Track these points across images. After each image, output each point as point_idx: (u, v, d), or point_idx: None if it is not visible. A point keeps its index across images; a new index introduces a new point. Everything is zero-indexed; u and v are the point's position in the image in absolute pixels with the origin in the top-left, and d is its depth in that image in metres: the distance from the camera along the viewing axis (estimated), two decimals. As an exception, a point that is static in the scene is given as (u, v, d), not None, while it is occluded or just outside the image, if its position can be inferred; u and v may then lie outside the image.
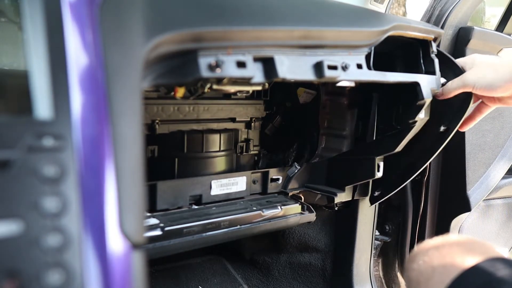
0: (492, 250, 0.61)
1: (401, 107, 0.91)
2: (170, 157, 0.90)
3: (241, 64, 0.55)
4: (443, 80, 0.85)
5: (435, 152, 0.89)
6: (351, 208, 1.07)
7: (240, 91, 0.89)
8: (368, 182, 1.02)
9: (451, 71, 0.85)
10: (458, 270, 0.57)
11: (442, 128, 0.86)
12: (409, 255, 0.71)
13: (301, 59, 0.62)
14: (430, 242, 0.68)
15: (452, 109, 0.84)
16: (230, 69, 0.54)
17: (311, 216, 0.98)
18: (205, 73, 0.52)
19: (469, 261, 0.58)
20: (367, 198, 1.04)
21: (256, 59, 0.57)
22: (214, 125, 0.97)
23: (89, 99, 0.37)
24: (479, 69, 0.79)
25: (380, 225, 1.24)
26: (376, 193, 1.02)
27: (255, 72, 0.57)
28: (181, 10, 0.50)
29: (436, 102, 0.83)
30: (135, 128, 0.40)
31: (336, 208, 1.03)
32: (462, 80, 0.79)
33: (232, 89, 0.61)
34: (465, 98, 0.83)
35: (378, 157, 0.92)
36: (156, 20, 0.46)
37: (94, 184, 0.36)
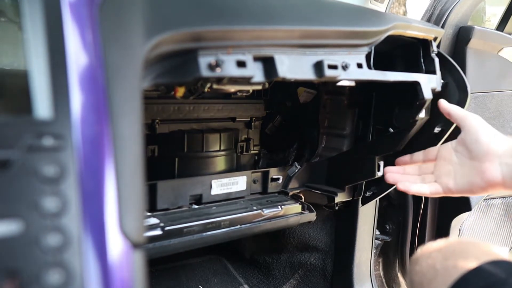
0: (494, 252, 0.61)
1: (401, 107, 0.91)
2: (170, 156, 0.90)
3: (241, 64, 0.55)
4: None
5: None
6: (352, 207, 1.07)
7: (240, 91, 0.89)
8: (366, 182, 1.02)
9: (449, 73, 0.85)
10: (460, 272, 0.57)
11: (436, 129, 0.86)
12: (412, 258, 0.72)
13: (301, 58, 0.62)
14: (433, 245, 0.68)
15: None
16: (230, 69, 0.54)
17: (312, 216, 0.98)
18: (205, 72, 0.52)
19: (471, 263, 0.58)
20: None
21: (256, 59, 0.57)
22: (214, 125, 0.97)
23: (89, 99, 0.37)
24: (483, 123, 0.71)
25: (380, 224, 1.24)
26: (368, 193, 1.02)
27: (255, 72, 0.57)
28: (181, 10, 0.50)
29: (432, 102, 0.83)
30: (135, 128, 0.40)
31: (336, 208, 1.03)
32: (464, 114, 0.73)
33: (232, 88, 0.61)
34: (461, 99, 0.83)
35: (378, 157, 0.92)
36: (156, 19, 0.46)
37: (94, 184, 0.36)
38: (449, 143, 0.76)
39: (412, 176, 0.78)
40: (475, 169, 0.68)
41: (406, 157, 0.82)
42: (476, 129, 0.70)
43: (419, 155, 0.80)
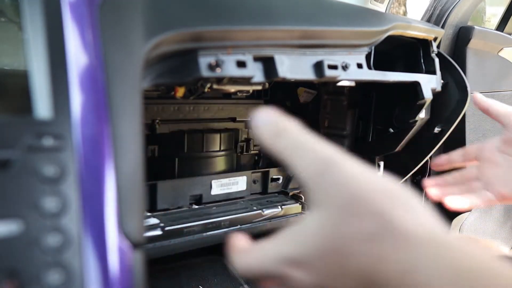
0: (496, 248, 0.60)
1: (401, 107, 0.91)
2: (170, 156, 0.90)
3: (241, 64, 0.55)
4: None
5: (428, 154, 0.89)
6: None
7: (240, 91, 0.89)
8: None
9: (449, 73, 0.85)
10: None
11: (436, 129, 0.86)
12: None
13: (301, 58, 0.62)
14: None
15: (447, 110, 0.84)
16: (230, 69, 0.54)
17: (312, 216, 0.98)
18: (205, 72, 0.52)
19: None
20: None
21: (256, 59, 0.57)
22: (215, 125, 0.97)
23: (89, 99, 0.37)
24: None
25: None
26: None
27: (255, 72, 0.57)
28: (181, 10, 0.50)
29: (432, 102, 0.83)
30: (135, 128, 0.40)
31: (336, 208, 1.02)
32: (508, 110, 0.64)
33: (232, 88, 0.61)
34: (461, 99, 0.83)
35: (378, 157, 0.92)
36: (156, 19, 0.46)
37: (94, 184, 0.36)
38: (491, 142, 0.66)
39: (456, 187, 0.67)
40: None
41: (443, 159, 0.70)
42: None
43: (457, 154, 0.69)
